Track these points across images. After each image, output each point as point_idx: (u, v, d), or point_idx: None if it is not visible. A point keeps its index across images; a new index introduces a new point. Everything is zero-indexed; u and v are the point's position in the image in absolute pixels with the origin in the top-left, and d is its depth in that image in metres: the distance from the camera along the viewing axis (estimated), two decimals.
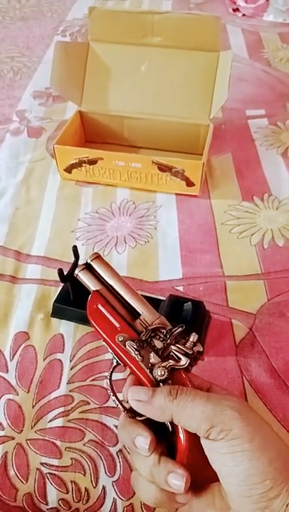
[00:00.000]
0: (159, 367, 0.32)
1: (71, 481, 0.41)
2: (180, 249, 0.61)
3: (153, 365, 0.32)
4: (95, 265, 0.36)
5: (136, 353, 0.32)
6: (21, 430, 0.43)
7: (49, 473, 0.41)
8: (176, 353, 0.33)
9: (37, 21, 1.20)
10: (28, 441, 0.43)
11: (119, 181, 0.68)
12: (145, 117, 0.73)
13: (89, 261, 0.36)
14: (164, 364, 0.32)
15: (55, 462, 0.41)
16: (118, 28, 0.71)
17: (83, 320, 0.51)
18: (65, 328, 0.51)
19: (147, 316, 0.34)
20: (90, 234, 0.63)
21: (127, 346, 0.33)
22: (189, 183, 0.66)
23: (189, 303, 0.50)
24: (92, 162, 0.67)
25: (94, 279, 0.36)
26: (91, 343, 0.50)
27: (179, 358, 0.33)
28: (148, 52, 0.72)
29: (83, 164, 0.67)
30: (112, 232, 0.63)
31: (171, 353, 0.33)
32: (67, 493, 0.40)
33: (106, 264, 0.36)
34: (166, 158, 0.64)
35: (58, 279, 0.55)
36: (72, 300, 0.52)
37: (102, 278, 0.36)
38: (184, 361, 0.32)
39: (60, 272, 0.47)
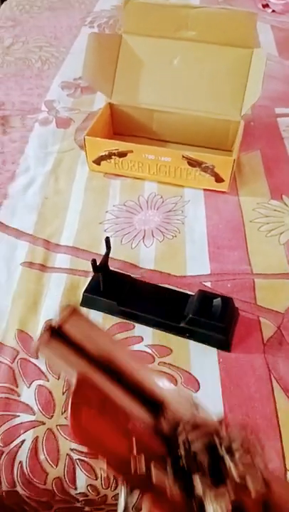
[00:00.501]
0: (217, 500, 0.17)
1: (100, 468, 0.41)
2: (208, 245, 0.61)
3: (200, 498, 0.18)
4: (71, 326, 0.23)
5: (174, 481, 0.18)
6: (52, 416, 0.44)
7: (79, 459, 0.42)
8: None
9: (65, 11, 1.20)
10: (58, 427, 0.43)
11: (147, 175, 0.68)
12: (175, 111, 0.72)
13: (56, 324, 0.24)
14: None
15: (84, 449, 0.42)
16: (152, 21, 0.71)
17: (112, 311, 0.52)
18: (94, 318, 0.52)
19: (173, 407, 0.20)
20: (117, 226, 0.63)
21: (154, 472, 0.19)
22: (218, 179, 0.66)
23: (219, 299, 0.50)
24: (122, 155, 0.67)
25: (69, 354, 0.23)
26: (120, 334, 0.50)
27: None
28: (181, 46, 0.71)
29: (113, 156, 0.67)
30: (139, 225, 0.64)
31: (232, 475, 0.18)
32: (96, 479, 0.41)
33: (86, 322, 0.24)
34: (197, 153, 0.64)
35: (86, 269, 0.56)
36: (102, 291, 0.52)
37: (83, 349, 0.23)
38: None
39: (94, 262, 0.48)
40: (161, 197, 0.68)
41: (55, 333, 0.23)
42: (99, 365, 0.22)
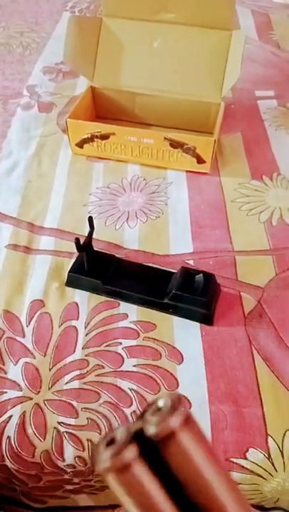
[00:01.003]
0: None
1: (87, 440, 0.42)
2: (190, 225, 0.62)
3: None
4: (175, 445, 0.18)
5: None
6: (39, 391, 0.45)
7: (66, 431, 0.43)
8: None
9: None
10: (45, 402, 0.44)
11: (130, 157, 0.69)
12: (156, 94, 0.73)
13: (153, 432, 0.18)
14: None
15: (71, 421, 0.43)
16: (131, 4, 0.71)
17: (97, 290, 0.53)
18: (80, 297, 0.53)
19: None
20: (101, 208, 0.64)
21: None
22: (200, 160, 0.67)
23: (201, 275, 0.51)
24: (105, 137, 0.67)
25: (150, 486, 0.18)
26: (105, 311, 0.51)
27: None
28: (161, 29, 0.72)
29: (95, 139, 0.68)
30: (123, 207, 0.64)
31: None
32: (84, 450, 0.42)
33: (196, 437, 0.18)
34: (178, 135, 0.65)
35: (71, 250, 0.57)
36: (86, 270, 0.53)
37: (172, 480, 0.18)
38: None
39: (77, 241, 0.48)
40: (144, 179, 0.68)
41: (148, 450, 0.18)
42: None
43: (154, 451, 0.18)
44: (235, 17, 1.06)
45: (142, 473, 0.18)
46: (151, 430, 0.18)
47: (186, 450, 0.18)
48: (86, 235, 0.52)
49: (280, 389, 0.45)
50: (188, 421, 0.18)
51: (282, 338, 0.49)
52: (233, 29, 0.70)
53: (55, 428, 0.43)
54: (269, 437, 0.42)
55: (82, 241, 0.50)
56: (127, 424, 0.19)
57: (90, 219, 0.51)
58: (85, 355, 0.47)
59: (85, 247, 0.50)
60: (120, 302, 0.52)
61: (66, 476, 0.44)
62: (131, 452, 0.18)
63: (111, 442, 0.18)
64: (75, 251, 0.51)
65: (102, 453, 0.18)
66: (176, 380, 0.45)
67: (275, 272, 0.55)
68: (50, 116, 0.78)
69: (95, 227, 0.61)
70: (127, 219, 0.62)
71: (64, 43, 0.70)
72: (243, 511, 0.19)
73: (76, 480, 0.44)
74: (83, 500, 0.48)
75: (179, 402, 0.18)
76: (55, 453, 0.42)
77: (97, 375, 0.46)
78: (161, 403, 0.19)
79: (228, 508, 0.19)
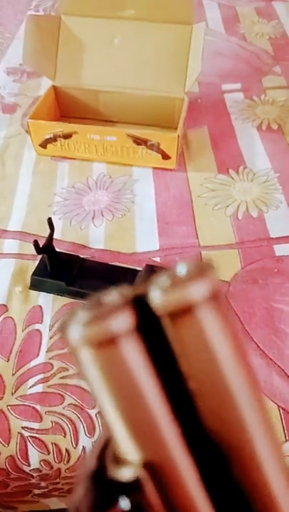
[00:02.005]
0: None
1: (52, 443, 0.42)
2: (157, 222, 0.61)
3: None
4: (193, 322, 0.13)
5: None
6: (2, 397, 0.44)
7: (30, 436, 0.42)
8: None
9: None
10: (8, 407, 0.44)
11: (95, 155, 0.68)
12: (120, 91, 0.72)
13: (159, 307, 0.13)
14: None
15: (35, 426, 0.43)
16: (89, 2, 0.70)
17: (61, 291, 0.52)
18: (44, 299, 0.52)
19: None
20: (66, 208, 0.63)
21: None
22: (165, 156, 0.66)
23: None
24: (67, 136, 0.66)
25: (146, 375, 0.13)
26: None
27: None
28: (121, 26, 0.71)
29: (58, 139, 0.67)
30: (88, 206, 0.64)
31: None
32: (49, 454, 0.42)
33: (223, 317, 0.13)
34: (141, 131, 0.65)
35: (35, 253, 0.56)
36: (49, 272, 0.52)
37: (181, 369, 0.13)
38: None
39: (36, 243, 0.48)
40: (110, 177, 0.68)
41: (146, 321, 0.13)
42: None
43: (158, 330, 0.12)
44: (199, 12, 1.06)
45: (135, 354, 0.12)
46: (157, 298, 0.12)
47: (206, 337, 0.12)
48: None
49: None
50: (216, 296, 0.12)
51: (247, 331, 0.49)
52: (193, 23, 0.70)
53: (19, 433, 0.42)
54: None
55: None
56: (121, 287, 0.13)
57: (50, 220, 0.51)
58: (49, 359, 0.47)
59: (45, 249, 0.50)
60: (85, 303, 0.52)
61: (33, 481, 0.43)
62: (124, 320, 0.12)
63: (96, 307, 0.12)
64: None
65: (80, 316, 0.12)
66: None
67: (240, 266, 0.55)
68: (14, 118, 0.77)
69: (60, 227, 0.60)
70: (93, 218, 0.62)
71: (23, 44, 0.69)
72: (277, 460, 0.13)
73: (43, 484, 0.44)
74: (54, 503, 0.48)
75: (209, 268, 0.12)
76: (20, 458, 0.42)
77: (62, 378, 0.45)
78: (182, 269, 0.12)
79: (256, 447, 0.13)
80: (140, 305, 0.12)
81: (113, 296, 0.12)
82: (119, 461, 0.13)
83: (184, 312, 0.12)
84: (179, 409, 0.13)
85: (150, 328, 0.12)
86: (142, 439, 0.13)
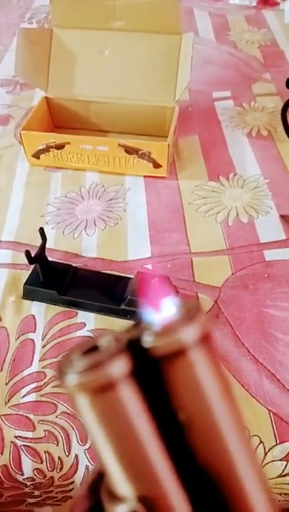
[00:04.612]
0: None
1: (45, 452, 0.42)
2: (148, 230, 0.62)
3: None
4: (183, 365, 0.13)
5: None
6: None
7: (23, 445, 0.43)
8: None
9: (3, 10, 1.19)
10: (2, 417, 0.44)
11: (87, 165, 0.69)
12: (111, 101, 0.73)
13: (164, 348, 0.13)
14: None
15: (29, 435, 0.43)
16: (80, 14, 0.72)
17: (53, 300, 0.53)
18: (37, 309, 0.53)
19: None
20: (59, 218, 0.64)
21: None
22: (156, 165, 0.67)
23: (156, 278, 0.51)
24: (60, 147, 0.67)
25: (138, 417, 0.13)
26: (63, 322, 0.51)
27: None
28: (111, 37, 0.72)
29: (51, 149, 0.68)
30: (81, 215, 0.64)
31: None
32: (42, 463, 0.42)
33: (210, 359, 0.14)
34: (132, 141, 0.65)
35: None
36: (42, 281, 0.53)
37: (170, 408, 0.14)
38: None
39: (28, 253, 0.48)
40: (103, 186, 0.69)
41: (141, 365, 0.13)
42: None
43: (151, 371, 0.13)
44: (190, 21, 1.08)
45: (131, 398, 0.13)
46: (150, 341, 0.13)
47: (197, 378, 0.13)
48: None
49: (236, 387, 0.46)
50: (206, 338, 0.13)
51: (238, 336, 0.50)
52: (182, 33, 0.71)
53: (12, 442, 0.43)
54: None
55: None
56: (116, 331, 0.13)
57: (41, 230, 0.51)
58: (42, 368, 0.47)
59: (37, 258, 0.50)
60: (78, 311, 0.52)
61: (27, 490, 0.43)
62: (121, 366, 0.12)
63: (92, 351, 0.13)
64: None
65: (77, 362, 0.12)
66: None
67: (231, 272, 0.56)
68: (7, 129, 0.78)
69: (53, 237, 0.61)
70: (86, 227, 0.63)
71: (15, 57, 0.70)
72: (260, 484, 0.14)
73: (37, 492, 0.44)
74: None
75: (197, 310, 0.13)
76: (14, 467, 0.42)
77: (54, 387, 0.46)
78: (172, 309, 0.13)
79: (241, 473, 0.13)
80: (134, 349, 0.13)
81: (108, 340, 0.13)
82: (113, 496, 0.14)
83: (176, 355, 0.13)
84: (171, 442, 0.14)
85: (144, 370, 0.13)
86: (137, 476, 0.13)
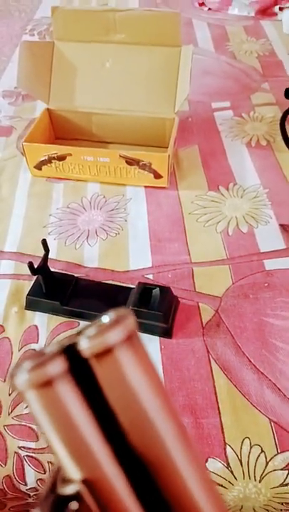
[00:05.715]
0: None
1: (48, 462, 0.43)
2: (149, 240, 0.63)
3: None
4: (110, 361, 0.16)
5: None
6: None
7: (27, 455, 0.43)
8: None
9: (5, 21, 1.20)
10: (5, 427, 0.44)
11: (89, 176, 0.70)
12: (112, 113, 0.74)
13: (89, 347, 0.16)
14: None
15: (32, 445, 0.43)
16: (81, 27, 0.73)
17: (56, 311, 0.53)
18: (39, 319, 0.53)
19: None
20: (61, 228, 0.65)
21: None
22: (157, 176, 0.68)
23: (157, 289, 0.52)
24: (61, 158, 0.68)
25: (78, 412, 0.16)
26: (65, 332, 0.52)
27: None
28: (111, 50, 0.73)
29: (53, 161, 0.69)
30: (83, 226, 0.65)
31: None
32: (45, 473, 0.42)
33: (138, 356, 0.16)
34: (133, 152, 0.66)
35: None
36: (44, 292, 0.53)
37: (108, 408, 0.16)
38: None
39: (31, 264, 0.49)
40: (104, 197, 0.70)
41: (77, 364, 0.16)
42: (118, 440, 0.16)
43: (88, 371, 0.16)
44: (189, 32, 1.09)
45: (68, 392, 0.15)
46: (83, 344, 0.15)
47: (123, 372, 0.15)
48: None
49: (237, 397, 0.46)
50: (132, 338, 0.15)
51: (239, 345, 0.50)
52: (181, 45, 0.72)
53: (15, 453, 0.43)
54: (227, 446, 0.43)
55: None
56: (61, 340, 0.16)
57: (44, 242, 0.52)
58: None
59: (40, 269, 0.51)
60: (80, 321, 0.53)
61: (30, 500, 0.44)
62: (57, 365, 0.15)
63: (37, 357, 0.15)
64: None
65: (24, 365, 0.15)
66: None
67: (232, 281, 0.57)
68: (10, 140, 0.79)
69: (55, 247, 0.62)
70: (87, 237, 0.63)
71: (17, 69, 0.71)
72: (196, 468, 0.15)
73: None
74: None
75: (125, 316, 0.16)
76: (17, 477, 0.42)
77: None
78: (105, 318, 0.16)
79: (176, 459, 0.15)
80: (71, 351, 0.16)
81: (52, 346, 0.16)
82: (65, 480, 0.16)
83: (105, 353, 0.15)
84: (110, 433, 0.16)
85: (82, 370, 0.16)
86: (80, 460, 0.16)
